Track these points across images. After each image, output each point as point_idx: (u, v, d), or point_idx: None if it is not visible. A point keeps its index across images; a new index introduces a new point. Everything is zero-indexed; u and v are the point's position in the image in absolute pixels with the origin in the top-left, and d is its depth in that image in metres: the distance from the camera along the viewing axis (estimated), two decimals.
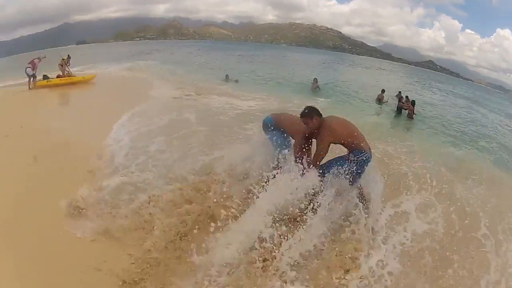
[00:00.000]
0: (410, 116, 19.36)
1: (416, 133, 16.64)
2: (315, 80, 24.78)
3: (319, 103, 19.10)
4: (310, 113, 6.19)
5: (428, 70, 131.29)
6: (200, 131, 10.94)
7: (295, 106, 16.32)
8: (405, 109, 19.93)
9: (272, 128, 6.70)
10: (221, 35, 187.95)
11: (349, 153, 6.06)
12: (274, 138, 6.71)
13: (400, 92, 23.03)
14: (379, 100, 23.96)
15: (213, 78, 27.76)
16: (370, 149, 6.14)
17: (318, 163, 6.09)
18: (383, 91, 24.77)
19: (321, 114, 6.25)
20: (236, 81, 26.85)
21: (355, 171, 5.94)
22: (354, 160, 5.93)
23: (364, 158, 5.99)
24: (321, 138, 6.07)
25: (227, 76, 27.32)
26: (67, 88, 21.10)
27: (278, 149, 6.54)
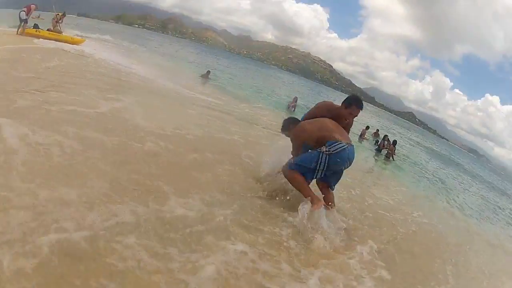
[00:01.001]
0: (389, 156, 18.95)
1: (392, 173, 16.30)
2: (295, 99, 24.19)
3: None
4: (285, 125, 6.25)
5: (407, 121, 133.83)
6: None
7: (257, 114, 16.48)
8: (386, 149, 19.64)
9: None
10: (217, 42, 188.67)
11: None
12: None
13: (387, 135, 22.62)
14: (361, 136, 23.82)
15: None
16: (349, 142, 5.55)
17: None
18: (367, 127, 24.77)
19: (297, 122, 6.11)
20: (212, 78, 26.50)
21: (331, 161, 5.36)
22: (326, 151, 5.33)
23: (339, 148, 5.34)
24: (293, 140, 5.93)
25: (208, 72, 26.41)
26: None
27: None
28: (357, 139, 22.93)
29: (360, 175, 11.75)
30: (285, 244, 4.63)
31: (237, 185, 6.02)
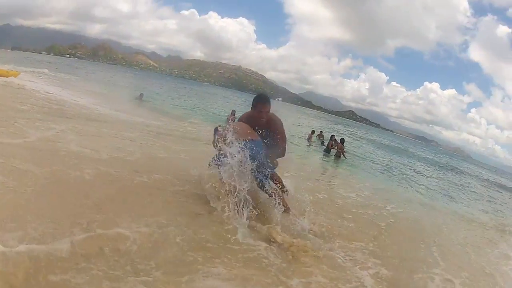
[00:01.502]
0: (339, 155, 18.90)
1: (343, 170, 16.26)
2: (233, 112, 23.99)
3: None
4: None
5: (348, 119, 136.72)
6: None
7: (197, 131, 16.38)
8: (334, 149, 19.50)
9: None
10: (148, 65, 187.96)
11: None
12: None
13: (333, 135, 22.69)
14: (308, 139, 24.08)
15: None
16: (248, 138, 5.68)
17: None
18: (312, 132, 24.99)
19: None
20: (146, 100, 26.35)
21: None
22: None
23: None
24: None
25: (141, 94, 26.25)
26: None
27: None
28: (306, 144, 23.22)
29: (319, 178, 12.02)
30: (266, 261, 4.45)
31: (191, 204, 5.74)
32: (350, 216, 7.27)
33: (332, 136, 21.37)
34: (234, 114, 23.34)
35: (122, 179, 6.28)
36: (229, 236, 4.86)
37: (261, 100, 5.97)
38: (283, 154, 6.15)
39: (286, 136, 6.31)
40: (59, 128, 9.69)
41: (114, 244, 3.97)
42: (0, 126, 8.36)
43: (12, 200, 4.54)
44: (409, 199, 11.94)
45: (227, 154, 5.46)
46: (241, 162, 5.46)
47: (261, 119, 5.97)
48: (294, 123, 41.37)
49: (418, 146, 68.59)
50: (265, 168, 5.81)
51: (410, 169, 25.14)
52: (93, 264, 3.52)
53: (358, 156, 22.76)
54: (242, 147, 5.44)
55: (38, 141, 7.81)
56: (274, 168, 6.20)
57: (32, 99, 14.69)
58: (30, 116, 10.76)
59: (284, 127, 6.15)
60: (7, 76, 21.00)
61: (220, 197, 5.60)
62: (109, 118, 14.30)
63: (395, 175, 18.79)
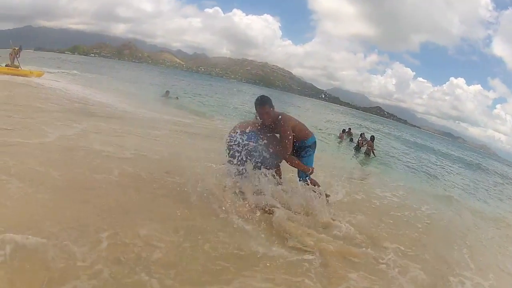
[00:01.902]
0: (369, 152, 18.29)
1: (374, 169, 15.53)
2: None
3: None
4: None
5: (375, 115, 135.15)
6: None
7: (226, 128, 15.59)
8: (364, 146, 19.06)
9: None
10: (174, 62, 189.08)
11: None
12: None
13: (363, 133, 22.02)
14: (340, 138, 23.56)
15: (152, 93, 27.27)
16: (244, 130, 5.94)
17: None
18: (343, 130, 24.41)
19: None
20: (177, 98, 26.22)
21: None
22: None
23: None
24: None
25: (167, 92, 26.16)
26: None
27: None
28: (337, 141, 22.84)
29: (352, 177, 11.55)
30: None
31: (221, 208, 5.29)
32: (388, 218, 7.06)
33: (361, 134, 20.96)
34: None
35: (148, 180, 6.00)
36: (262, 243, 4.58)
37: (257, 104, 5.82)
38: (281, 155, 5.96)
39: (299, 134, 6.03)
40: (81, 126, 9.49)
41: (137, 250, 3.75)
42: (19, 126, 8.24)
43: (30, 205, 4.26)
44: (440, 199, 11.51)
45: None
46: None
47: (264, 122, 5.89)
48: (324, 119, 40.87)
49: (445, 143, 67.38)
50: (258, 157, 5.87)
51: (439, 166, 24.56)
52: (107, 270, 3.31)
53: (386, 153, 22.12)
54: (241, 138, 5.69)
55: (58, 140, 7.58)
56: (275, 163, 6.14)
57: (54, 98, 14.58)
58: (51, 115, 10.60)
59: (288, 127, 5.82)
60: (30, 76, 21.43)
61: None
62: (134, 116, 14.10)
63: (424, 173, 18.20)
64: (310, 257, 4.41)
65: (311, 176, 6.15)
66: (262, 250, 4.34)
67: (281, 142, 5.80)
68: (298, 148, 5.98)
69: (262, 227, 4.92)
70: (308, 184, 5.94)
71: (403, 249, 5.45)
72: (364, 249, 4.99)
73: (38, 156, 6.02)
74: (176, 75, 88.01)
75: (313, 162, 6.16)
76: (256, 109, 5.84)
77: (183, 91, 37.88)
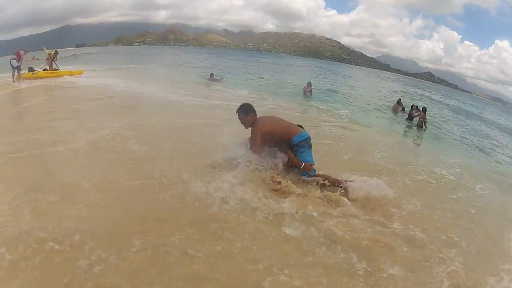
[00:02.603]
0: (421, 124, 17.71)
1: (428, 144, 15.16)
2: (309, 83, 23.13)
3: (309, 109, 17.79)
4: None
5: (426, 81, 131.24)
6: None
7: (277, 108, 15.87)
8: (416, 116, 18.56)
9: None
10: (221, 42, 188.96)
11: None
12: None
13: (413, 105, 21.18)
14: (395, 110, 23.06)
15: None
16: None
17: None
18: (398, 101, 23.90)
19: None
20: (222, 79, 26.27)
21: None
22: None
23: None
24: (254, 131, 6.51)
25: (212, 74, 26.07)
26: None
27: None
28: (391, 113, 22.40)
29: (407, 152, 12.03)
30: None
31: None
32: (445, 203, 6.82)
33: (412, 105, 20.16)
34: (310, 86, 22.50)
35: (183, 186, 5.66)
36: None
37: (236, 113, 6.67)
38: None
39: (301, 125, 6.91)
40: (118, 124, 9.34)
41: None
42: (48, 131, 8.46)
43: (61, 216, 4.38)
44: (493, 177, 10.66)
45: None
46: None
47: (245, 127, 6.72)
48: (375, 89, 39.99)
49: (496, 111, 64.36)
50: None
51: (493, 139, 22.87)
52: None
53: (439, 125, 21.17)
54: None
55: (89, 144, 7.54)
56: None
57: (92, 96, 14.83)
58: (85, 115, 10.69)
59: (256, 131, 6.43)
60: (70, 75, 22.51)
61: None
62: (178, 105, 14.04)
63: (477, 147, 17.26)
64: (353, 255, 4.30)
65: (317, 171, 6.51)
66: None
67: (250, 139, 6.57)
68: (290, 147, 6.55)
69: None
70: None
71: (451, 240, 5.19)
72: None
73: (69, 164, 6.13)
74: (224, 55, 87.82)
75: (312, 158, 6.53)
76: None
77: (230, 70, 38.13)
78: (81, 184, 5.29)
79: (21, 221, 4.18)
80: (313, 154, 6.57)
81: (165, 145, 7.62)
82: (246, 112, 6.56)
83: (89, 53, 64.09)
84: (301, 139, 6.47)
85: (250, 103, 6.83)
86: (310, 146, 6.61)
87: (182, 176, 5.84)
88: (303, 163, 6.35)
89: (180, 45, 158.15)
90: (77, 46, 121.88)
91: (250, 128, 6.60)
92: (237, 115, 6.61)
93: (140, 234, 4.16)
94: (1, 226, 4.05)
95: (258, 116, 6.69)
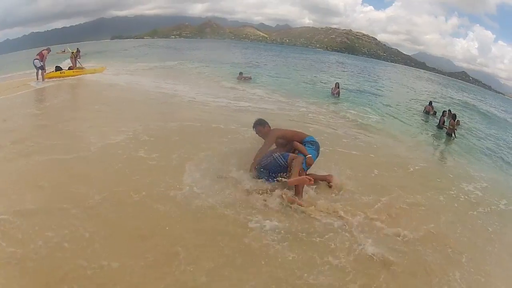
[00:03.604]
0: (450, 132, 17.04)
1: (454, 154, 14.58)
2: (337, 84, 22.95)
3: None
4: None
5: (461, 81, 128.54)
6: None
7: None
8: (445, 127, 17.84)
9: None
10: (257, 36, 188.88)
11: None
12: None
13: (445, 110, 20.29)
14: (427, 112, 22.55)
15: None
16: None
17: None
18: (430, 103, 23.45)
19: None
20: (250, 78, 26.21)
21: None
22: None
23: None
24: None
25: (241, 73, 25.97)
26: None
27: None
28: (422, 118, 21.61)
29: (437, 165, 11.99)
30: None
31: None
32: (469, 221, 6.95)
33: (444, 112, 19.61)
34: (338, 87, 22.39)
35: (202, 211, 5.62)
36: None
37: (254, 127, 7.51)
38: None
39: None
40: (131, 128, 9.41)
41: None
42: (59, 136, 8.59)
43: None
44: None
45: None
46: None
47: (261, 137, 7.44)
48: (406, 89, 39.35)
49: None
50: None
51: None
52: None
53: (469, 134, 20.00)
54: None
55: (99, 152, 7.61)
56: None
57: (107, 94, 14.89)
58: (99, 118, 10.86)
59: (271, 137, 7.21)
60: (93, 73, 23.28)
61: None
62: (201, 107, 13.91)
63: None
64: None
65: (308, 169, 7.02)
66: None
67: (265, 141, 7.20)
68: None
69: None
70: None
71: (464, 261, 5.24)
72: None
73: (77, 175, 6.25)
74: (259, 50, 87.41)
75: (315, 158, 7.17)
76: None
77: (261, 67, 38.42)
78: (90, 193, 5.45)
79: None
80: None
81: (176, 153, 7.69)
82: (263, 124, 7.39)
83: (121, 48, 63.92)
84: (310, 140, 7.30)
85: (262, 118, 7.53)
86: (317, 149, 7.30)
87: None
88: (309, 154, 6.95)
89: (217, 38, 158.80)
90: (112, 39, 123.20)
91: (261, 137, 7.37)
92: (254, 129, 7.45)
93: None
94: None
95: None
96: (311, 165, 7.02)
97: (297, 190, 6.52)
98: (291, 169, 6.57)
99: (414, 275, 4.78)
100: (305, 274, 4.39)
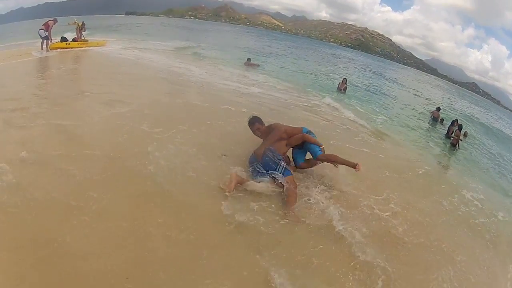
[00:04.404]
0: (455, 143, 16.60)
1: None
2: (344, 80, 22.92)
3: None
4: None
5: (471, 92, 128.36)
6: None
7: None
8: (452, 137, 17.08)
9: None
10: (272, 24, 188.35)
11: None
12: None
13: (454, 120, 19.65)
14: (435, 118, 22.17)
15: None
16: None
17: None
18: (438, 109, 23.20)
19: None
20: (258, 65, 26.04)
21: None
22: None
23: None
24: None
25: (248, 59, 25.90)
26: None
27: None
28: (427, 125, 21.07)
29: (442, 171, 12.13)
30: None
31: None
32: (466, 230, 6.89)
33: (453, 121, 19.26)
34: (345, 83, 22.39)
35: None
36: None
37: (249, 125, 7.25)
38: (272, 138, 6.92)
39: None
40: (136, 101, 9.43)
41: None
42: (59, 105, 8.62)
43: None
44: None
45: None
46: None
47: (257, 135, 7.27)
48: (420, 94, 39.20)
49: None
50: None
51: None
52: None
53: (473, 147, 19.30)
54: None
55: (98, 124, 7.51)
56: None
57: (116, 67, 15.08)
58: (106, 87, 11.10)
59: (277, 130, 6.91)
60: (97, 46, 23.83)
61: None
62: (208, 89, 13.89)
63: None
64: None
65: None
66: None
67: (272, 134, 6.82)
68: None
69: None
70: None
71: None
72: None
73: (75, 155, 6.04)
74: (273, 38, 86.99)
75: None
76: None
77: (272, 55, 38.45)
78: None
79: None
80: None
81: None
82: (260, 122, 7.17)
83: (137, 24, 63.48)
84: (307, 131, 7.26)
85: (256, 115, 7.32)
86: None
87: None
88: (322, 145, 7.05)
89: (232, 23, 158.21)
90: (126, 14, 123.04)
91: (258, 135, 7.21)
92: (252, 126, 7.16)
93: None
94: None
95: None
96: (324, 150, 7.02)
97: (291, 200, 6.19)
98: (288, 194, 6.16)
99: (412, 272, 4.85)
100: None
